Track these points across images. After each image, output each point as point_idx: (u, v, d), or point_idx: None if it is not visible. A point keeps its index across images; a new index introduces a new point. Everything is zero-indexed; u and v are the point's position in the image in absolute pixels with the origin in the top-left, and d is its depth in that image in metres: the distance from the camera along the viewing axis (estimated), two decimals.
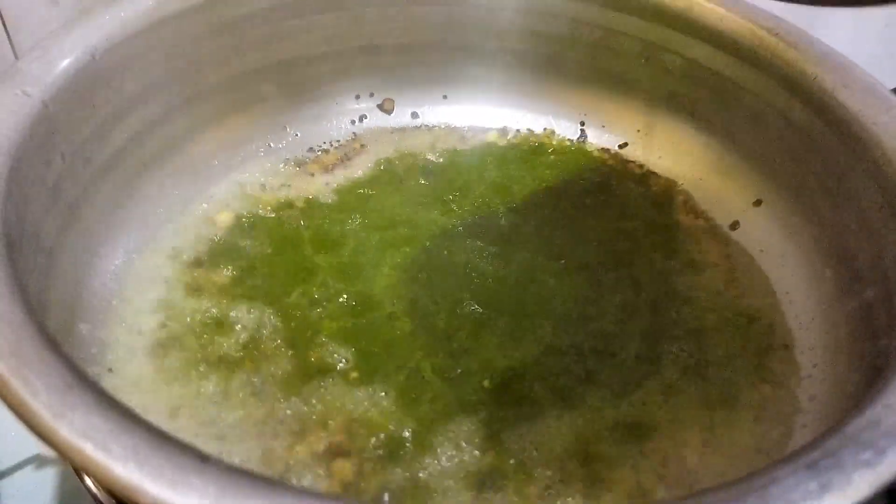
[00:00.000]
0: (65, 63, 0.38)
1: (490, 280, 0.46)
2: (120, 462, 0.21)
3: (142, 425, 0.22)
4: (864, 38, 0.69)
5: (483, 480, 0.36)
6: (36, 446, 0.44)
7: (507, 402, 0.39)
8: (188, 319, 0.42)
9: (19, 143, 0.33)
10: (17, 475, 0.44)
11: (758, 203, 0.49)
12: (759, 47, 0.45)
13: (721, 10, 0.46)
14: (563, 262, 0.47)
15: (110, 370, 0.39)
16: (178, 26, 0.45)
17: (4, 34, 0.66)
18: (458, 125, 0.58)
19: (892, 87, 0.48)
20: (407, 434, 0.37)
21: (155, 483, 0.20)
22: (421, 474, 0.36)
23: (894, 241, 0.36)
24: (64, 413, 0.22)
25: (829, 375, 0.39)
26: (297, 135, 0.55)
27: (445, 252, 0.47)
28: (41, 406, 0.22)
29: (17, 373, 0.23)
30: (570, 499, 0.35)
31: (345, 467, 0.36)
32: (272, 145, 0.53)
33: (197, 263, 0.45)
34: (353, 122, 0.57)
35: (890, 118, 0.38)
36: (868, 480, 0.22)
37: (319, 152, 0.54)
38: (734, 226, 0.49)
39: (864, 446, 0.23)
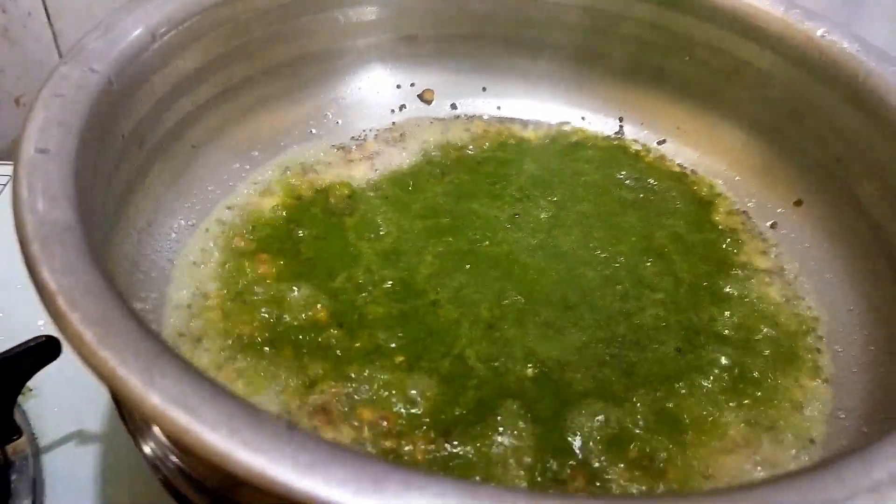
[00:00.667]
0: (127, 41, 0.38)
1: (532, 272, 0.46)
2: (212, 429, 0.21)
3: (230, 395, 0.22)
4: None
5: (529, 464, 0.36)
6: (77, 422, 0.45)
7: (548, 390, 0.40)
8: (236, 299, 0.42)
9: (88, 119, 0.34)
10: (60, 450, 0.44)
11: (799, 203, 0.49)
12: (806, 48, 0.45)
13: (771, 11, 0.46)
14: (604, 255, 0.47)
15: None
16: (232, 10, 0.45)
17: (45, 17, 0.67)
18: (496, 117, 0.58)
19: None
20: (454, 416, 0.38)
21: (247, 450, 0.21)
22: (470, 455, 0.36)
23: None
24: (154, 381, 0.22)
25: (871, 375, 0.39)
26: (338, 122, 0.55)
27: (487, 243, 0.48)
28: (132, 374, 0.22)
29: (105, 342, 0.23)
30: (612, 485, 0.36)
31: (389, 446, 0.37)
32: (314, 132, 0.54)
33: (244, 245, 0.46)
34: (392, 111, 0.57)
35: None
36: None
37: (361, 140, 0.55)
38: (774, 225, 0.49)
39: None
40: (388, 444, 0.37)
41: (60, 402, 0.46)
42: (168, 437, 0.29)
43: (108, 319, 0.24)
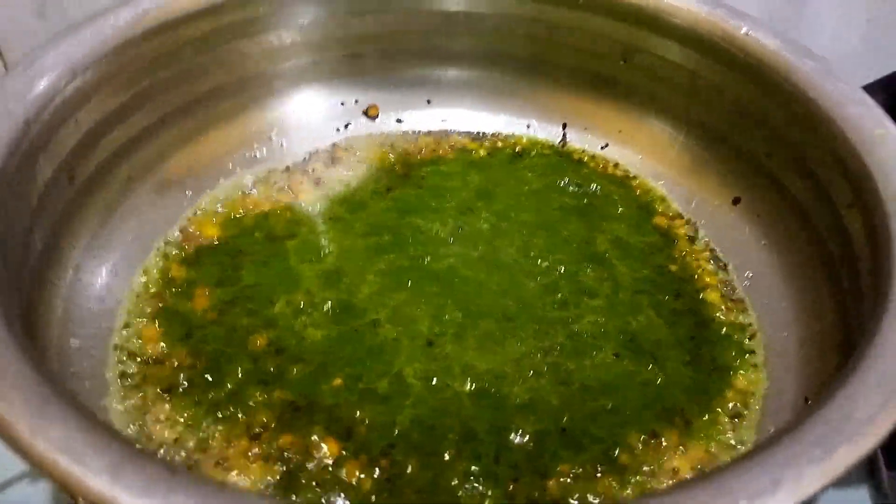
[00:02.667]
0: (47, 80, 0.39)
1: (472, 285, 0.46)
2: (95, 475, 0.22)
3: (117, 438, 0.23)
4: (846, 32, 0.70)
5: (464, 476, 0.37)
6: None
7: (486, 405, 0.40)
8: (174, 333, 0.43)
9: (4, 158, 0.34)
10: (11, 490, 0.45)
11: (736, 201, 0.49)
12: (731, 46, 0.46)
13: (695, 11, 0.47)
14: (545, 264, 0.48)
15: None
16: (159, 41, 0.45)
17: None
18: (442, 130, 0.59)
19: (877, 77, 0.48)
20: (392, 436, 0.38)
21: (129, 494, 0.21)
22: (407, 475, 0.37)
23: (862, 238, 0.36)
24: (41, 427, 0.23)
25: (801, 371, 0.39)
26: (282, 144, 0.55)
27: (429, 258, 0.48)
28: (18, 420, 0.23)
29: None
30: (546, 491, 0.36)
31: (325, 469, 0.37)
32: (258, 155, 0.54)
33: (185, 276, 0.46)
34: (338, 129, 0.57)
35: (858, 113, 0.39)
36: (818, 476, 0.23)
37: (305, 160, 0.55)
38: (712, 224, 0.50)
39: (815, 445, 0.24)
40: (323, 466, 0.37)
41: None
42: (55, 482, 0.29)
43: (2, 367, 0.25)
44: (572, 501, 0.36)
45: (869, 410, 0.25)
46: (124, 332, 0.42)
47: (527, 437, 0.39)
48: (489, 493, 0.36)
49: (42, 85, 0.38)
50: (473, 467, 0.37)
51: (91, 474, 0.22)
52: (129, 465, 0.22)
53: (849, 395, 0.26)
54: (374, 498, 0.36)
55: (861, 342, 0.29)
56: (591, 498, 0.36)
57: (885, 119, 0.38)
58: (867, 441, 0.24)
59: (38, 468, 0.22)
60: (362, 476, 0.37)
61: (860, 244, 0.37)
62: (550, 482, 0.37)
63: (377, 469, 0.37)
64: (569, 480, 0.37)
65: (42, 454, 0.22)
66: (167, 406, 0.39)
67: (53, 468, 0.22)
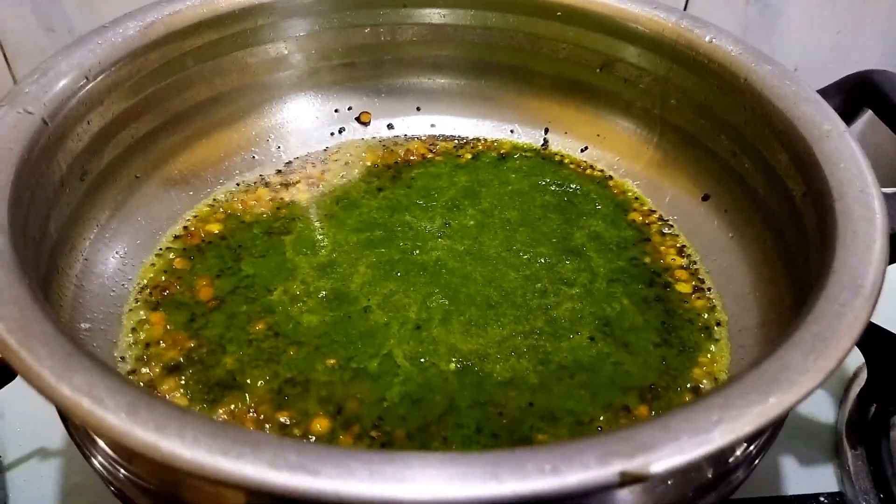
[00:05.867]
0: (61, 84, 0.42)
1: (458, 276, 0.49)
2: (114, 413, 0.25)
3: (130, 384, 0.26)
4: (817, 42, 0.74)
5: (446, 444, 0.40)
6: (39, 440, 0.48)
7: (469, 381, 0.43)
8: (178, 321, 0.46)
9: (22, 155, 0.37)
10: (23, 467, 0.47)
11: (706, 198, 0.52)
12: (697, 54, 0.49)
13: (662, 21, 0.50)
14: (526, 257, 0.51)
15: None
16: (164, 50, 0.49)
17: (3, 60, 0.70)
18: (431, 134, 0.62)
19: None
20: (382, 409, 0.41)
21: (142, 429, 0.24)
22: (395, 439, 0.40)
23: (813, 224, 0.39)
24: (65, 375, 0.26)
25: (762, 350, 0.42)
26: (279, 147, 0.59)
27: (417, 251, 0.51)
28: (45, 370, 0.26)
29: (24, 344, 0.27)
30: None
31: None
32: (256, 158, 0.58)
33: (188, 268, 0.49)
34: (332, 134, 0.61)
35: (810, 111, 0.42)
36: (753, 417, 0.26)
37: (302, 163, 0.58)
38: (684, 220, 0.53)
39: (752, 390, 0.27)
40: (318, 437, 0.40)
41: (23, 422, 0.50)
42: (78, 422, 0.32)
43: (29, 326, 0.28)
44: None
45: (803, 364, 0.28)
46: (131, 317, 0.45)
47: (507, 411, 0.41)
48: None
49: (57, 88, 0.42)
50: (457, 436, 0.40)
51: (110, 413, 0.25)
52: (144, 405, 0.25)
53: (786, 350, 0.29)
54: None
55: (802, 308, 0.32)
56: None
57: (834, 116, 0.42)
58: (799, 389, 0.27)
59: (64, 410, 0.25)
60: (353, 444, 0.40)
61: (812, 229, 0.40)
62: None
63: (367, 439, 0.40)
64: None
65: (67, 397, 0.25)
66: (173, 384, 0.42)
67: (77, 409, 0.25)
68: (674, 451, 0.25)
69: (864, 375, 0.50)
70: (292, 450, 0.23)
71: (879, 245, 0.34)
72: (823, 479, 0.49)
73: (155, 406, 0.25)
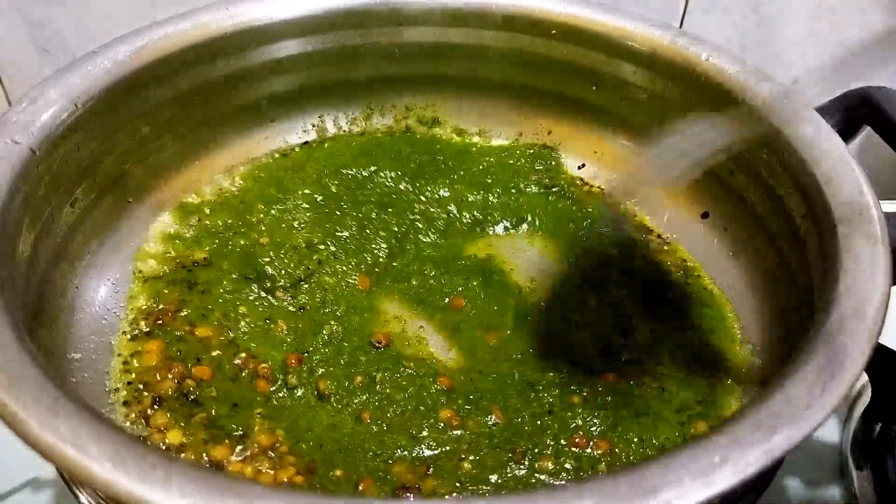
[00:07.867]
0: (50, 112, 0.41)
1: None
2: (97, 462, 0.24)
3: (117, 431, 0.25)
4: (815, 54, 0.74)
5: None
6: (32, 470, 0.47)
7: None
8: (171, 348, 0.45)
9: (10, 185, 0.37)
10: (16, 497, 0.47)
11: (705, 215, 0.52)
12: (693, 72, 0.49)
13: (657, 39, 0.50)
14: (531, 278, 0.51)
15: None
16: (155, 74, 0.48)
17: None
18: None
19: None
20: None
21: (127, 479, 0.23)
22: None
23: (815, 247, 0.39)
24: (49, 423, 0.25)
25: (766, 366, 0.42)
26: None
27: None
28: (29, 417, 0.25)
29: (7, 389, 0.26)
30: None
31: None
32: None
33: (176, 296, 0.48)
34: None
35: (809, 130, 0.42)
36: (759, 456, 0.25)
37: None
38: (683, 237, 0.52)
39: (757, 428, 0.26)
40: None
41: (15, 452, 0.48)
42: (62, 471, 0.32)
43: (13, 369, 0.27)
44: None
45: (808, 398, 0.28)
46: (122, 346, 0.44)
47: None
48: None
49: (45, 116, 0.41)
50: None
51: (94, 463, 0.24)
52: (129, 453, 0.24)
53: (790, 384, 0.28)
54: None
55: (803, 340, 0.31)
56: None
57: (833, 135, 0.41)
58: (805, 424, 0.27)
59: (48, 458, 0.25)
60: None
61: (813, 250, 0.39)
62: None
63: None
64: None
65: (51, 445, 0.24)
66: (166, 416, 0.41)
67: (61, 458, 0.24)
68: (676, 495, 0.24)
69: (868, 394, 0.50)
70: (279, 499, 0.23)
71: (882, 270, 0.34)
72: (829, 499, 0.48)
73: (140, 454, 0.24)
